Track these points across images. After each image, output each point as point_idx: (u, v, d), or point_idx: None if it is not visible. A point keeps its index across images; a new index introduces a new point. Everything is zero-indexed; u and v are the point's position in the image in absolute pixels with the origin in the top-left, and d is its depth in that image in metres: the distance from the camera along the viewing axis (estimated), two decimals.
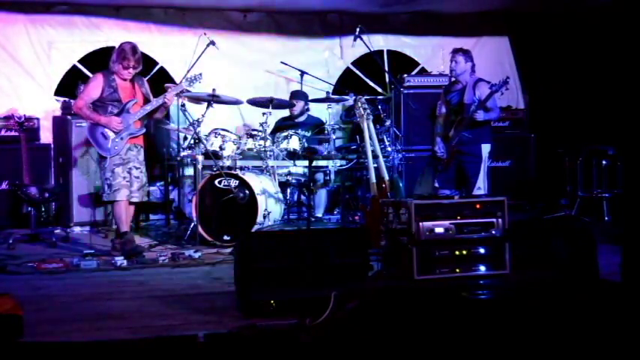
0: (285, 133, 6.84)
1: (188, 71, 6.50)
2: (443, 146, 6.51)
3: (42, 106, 7.73)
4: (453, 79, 6.69)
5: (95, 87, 5.79)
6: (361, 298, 3.53)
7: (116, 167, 5.72)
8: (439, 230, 3.98)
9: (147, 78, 6.45)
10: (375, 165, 5.66)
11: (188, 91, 6.52)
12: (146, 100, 5.94)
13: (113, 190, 5.71)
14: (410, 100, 7.59)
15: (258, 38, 8.43)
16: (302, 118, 7.60)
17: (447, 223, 4.00)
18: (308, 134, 7.21)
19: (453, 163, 6.51)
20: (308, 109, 7.67)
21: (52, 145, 7.58)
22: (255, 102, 7.20)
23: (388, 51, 8.73)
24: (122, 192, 5.72)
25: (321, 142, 7.21)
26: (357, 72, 8.71)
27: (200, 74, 6.10)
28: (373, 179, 5.62)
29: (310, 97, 7.69)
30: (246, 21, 8.41)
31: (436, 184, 6.63)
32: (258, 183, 6.34)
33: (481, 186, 6.35)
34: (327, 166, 7.08)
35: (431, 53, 8.78)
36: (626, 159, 3.81)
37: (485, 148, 6.43)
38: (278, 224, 6.38)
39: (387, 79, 8.46)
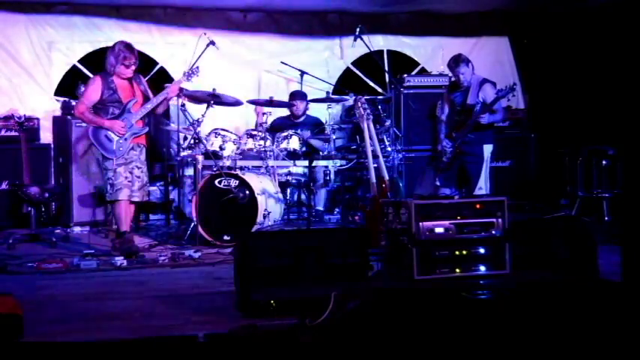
0: (285, 133, 6.84)
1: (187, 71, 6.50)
2: (449, 144, 6.49)
3: (42, 106, 7.74)
4: (454, 78, 6.67)
5: (94, 90, 5.79)
6: (361, 298, 3.53)
7: (118, 167, 5.73)
8: (439, 230, 3.99)
9: (147, 78, 6.45)
10: (375, 165, 5.66)
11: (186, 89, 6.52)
12: (145, 98, 5.94)
13: (115, 190, 5.72)
14: (410, 100, 7.59)
15: (258, 38, 8.44)
16: (301, 119, 7.60)
17: (447, 223, 4.00)
18: (307, 134, 7.21)
19: (455, 163, 6.51)
20: (307, 109, 7.67)
21: (52, 145, 7.58)
22: (255, 102, 7.20)
23: (388, 51, 8.73)
24: (124, 192, 5.72)
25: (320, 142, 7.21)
26: (357, 72, 8.72)
27: (197, 67, 6.09)
28: (373, 179, 5.62)
29: (310, 97, 7.69)
30: (246, 21, 8.41)
31: (437, 183, 6.63)
32: (258, 183, 6.34)
33: (482, 186, 6.36)
34: (327, 166, 7.09)
35: (431, 53, 8.79)
36: (626, 159, 3.81)
37: (487, 149, 6.44)
38: (278, 224, 6.38)
39: (387, 79, 8.46)
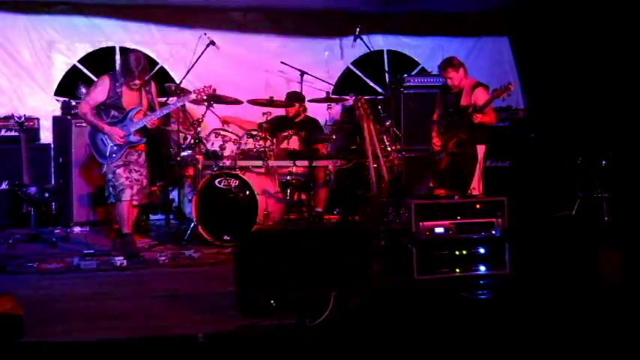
0: (285, 133, 6.84)
1: (188, 71, 6.50)
2: (441, 145, 6.47)
3: (42, 106, 7.74)
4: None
5: (102, 91, 5.73)
6: (361, 298, 3.53)
7: (117, 169, 5.70)
8: (439, 230, 3.99)
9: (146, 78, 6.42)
10: (375, 165, 5.66)
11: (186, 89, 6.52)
12: (150, 108, 5.88)
13: (118, 191, 5.69)
14: (410, 100, 7.59)
15: (258, 38, 8.44)
16: (296, 119, 7.58)
17: (447, 223, 4.01)
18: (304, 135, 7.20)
19: (447, 164, 6.50)
20: (304, 110, 7.65)
21: (52, 145, 7.57)
22: (255, 102, 7.19)
23: (388, 51, 8.73)
24: (127, 192, 5.70)
25: (320, 142, 7.20)
26: (357, 72, 8.72)
27: (211, 86, 6.03)
28: (373, 179, 5.62)
29: (310, 97, 7.68)
30: (246, 21, 8.41)
31: (431, 184, 6.61)
32: (259, 183, 6.34)
33: (476, 186, 6.35)
34: (327, 166, 7.08)
35: (431, 53, 8.78)
36: (626, 159, 3.82)
37: (481, 149, 6.42)
38: (278, 224, 6.38)
39: (387, 79, 8.45)
